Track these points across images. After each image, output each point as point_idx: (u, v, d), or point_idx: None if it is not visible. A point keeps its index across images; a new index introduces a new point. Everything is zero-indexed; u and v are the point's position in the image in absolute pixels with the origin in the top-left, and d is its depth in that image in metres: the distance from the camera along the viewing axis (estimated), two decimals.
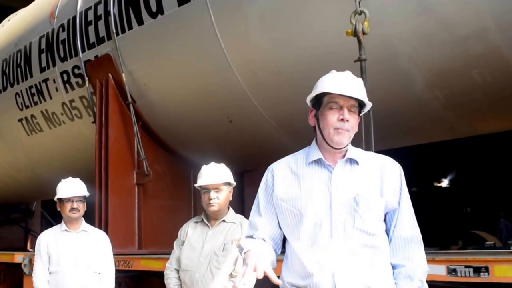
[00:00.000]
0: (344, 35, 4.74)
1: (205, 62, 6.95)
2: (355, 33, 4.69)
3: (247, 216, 3.23)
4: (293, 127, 7.00)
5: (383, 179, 2.76)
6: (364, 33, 4.69)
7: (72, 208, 5.52)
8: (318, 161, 2.78)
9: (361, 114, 2.82)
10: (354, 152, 2.83)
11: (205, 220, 4.68)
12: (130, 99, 7.92)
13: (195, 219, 4.82)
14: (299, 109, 6.27)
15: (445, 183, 12.89)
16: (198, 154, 7.73)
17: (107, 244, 5.76)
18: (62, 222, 5.67)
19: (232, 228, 4.58)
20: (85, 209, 5.68)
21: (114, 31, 7.86)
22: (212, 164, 4.72)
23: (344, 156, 2.81)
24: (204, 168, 4.68)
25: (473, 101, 5.64)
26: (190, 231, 4.71)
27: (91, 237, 5.68)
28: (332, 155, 2.78)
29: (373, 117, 4.49)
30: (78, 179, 5.74)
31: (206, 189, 4.57)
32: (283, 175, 2.84)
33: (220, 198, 4.56)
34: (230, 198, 4.71)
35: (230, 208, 4.74)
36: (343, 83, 2.70)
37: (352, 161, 2.79)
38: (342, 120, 2.67)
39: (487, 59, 5.14)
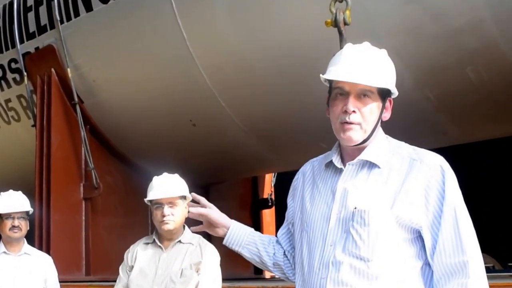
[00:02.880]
0: (323, 26, 4.77)
1: (164, 56, 7.00)
2: (335, 24, 4.71)
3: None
4: (266, 132, 7.09)
5: (403, 184, 2.49)
6: (345, 24, 4.71)
7: (13, 226, 5.48)
8: (333, 163, 2.65)
9: (391, 97, 2.64)
10: (378, 149, 2.59)
11: (157, 240, 4.65)
12: (76, 99, 7.89)
13: (144, 239, 4.78)
14: (273, 111, 6.75)
15: None
16: (156, 163, 7.54)
17: (53, 270, 5.72)
18: (1, 243, 5.64)
19: (189, 250, 4.58)
20: (28, 228, 5.67)
21: (58, 18, 7.81)
22: (165, 174, 4.71)
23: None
24: (156, 180, 4.67)
25: (468, 102, 5.74)
26: (140, 253, 4.67)
27: (34, 261, 5.63)
28: (350, 154, 2.62)
29: None
30: (20, 192, 5.70)
31: (159, 204, 4.55)
32: (304, 180, 2.79)
33: (175, 215, 4.52)
34: (186, 215, 4.46)
35: (186, 227, 4.70)
36: (347, 62, 2.54)
37: (370, 164, 2.57)
38: (346, 111, 2.51)
39: (483, 54, 5.24)
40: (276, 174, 10.02)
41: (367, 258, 2.44)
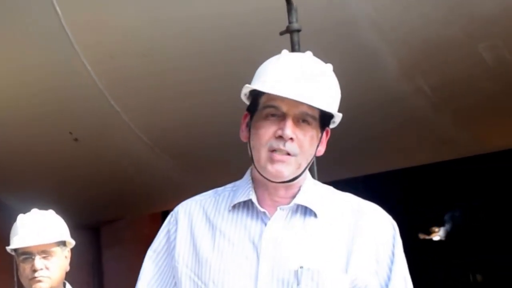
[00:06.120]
0: None
1: (30, 40, 6.72)
2: None
3: None
4: (182, 147, 7.06)
5: (354, 242, 2.56)
6: None
7: None
8: (247, 204, 2.64)
9: (329, 127, 2.67)
10: (312, 193, 2.62)
11: None
12: None
13: None
14: (191, 117, 6.69)
15: (438, 234, 12.91)
16: (22, 196, 7.52)
17: None
18: None
19: None
20: None
21: None
22: (35, 212, 4.50)
23: (292, 198, 2.62)
24: (22, 220, 4.45)
25: (482, 94, 5.62)
26: None
27: None
28: (272, 193, 2.62)
29: None
30: None
31: (28, 254, 4.34)
32: (193, 224, 2.74)
33: (51, 268, 4.35)
34: (68, 268, 4.50)
35: (68, 285, 4.56)
36: (291, 74, 2.53)
37: (305, 209, 2.60)
38: (280, 137, 2.50)
39: (505, 24, 5.08)
40: None
41: None
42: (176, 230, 2.73)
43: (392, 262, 2.60)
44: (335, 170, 5.98)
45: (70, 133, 7.15)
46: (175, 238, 2.72)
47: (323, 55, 5.04)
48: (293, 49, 4.56)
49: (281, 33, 4.60)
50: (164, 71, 6.31)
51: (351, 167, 6.48)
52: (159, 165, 7.27)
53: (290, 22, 4.60)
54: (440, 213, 12.18)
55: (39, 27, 6.55)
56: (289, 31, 4.59)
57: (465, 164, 7.21)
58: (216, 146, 6.80)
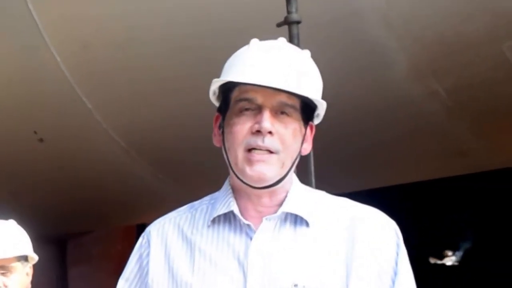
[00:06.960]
0: None
1: None
2: None
3: None
4: (162, 151, 7.14)
5: (353, 253, 2.55)
6: None
7: None
8: (228, 217, 2.60)
9: (313, 122, 2.62)
10: (302, 199, 2.60)
11: None
12: None
13: None
14: (172, 118, 6.77)
15: (452, 259, 12.83)
16: None
17: None
18: None
19: None
20: None
21: None
22: None
23: (280, 206, 2.58)
24: None
25: (503, 101, 5.68)
26: None
27: None
28: (256, 202, 2.58)
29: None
30: None
31: None
32: (168, 245, 2.71)
33: (10, 286, 4.39)
34: (29, 286, 4.51)
35: None
36: (264, 61, 2.50)
37: (295, 218, 2.57)
38: (258, 132, 2.44)
39: None
40: None
41: None
42: (148, 254, 2.70)
43: (395, 273, 2.57)
44: (335, 183, 5.92)
45: (35, 132, 7.23)
46: (148, 263, 2.69)
47: (324, 50, 5.03)
48: (291, 43, 4.59)
49: (279, 25, 4.58)
50: (142, 64, 6.34)
51: (353, 179, 6.50)
52: (135, 171, 7.34)
53: (289, 13, 4.59)
54: (453, 234, 12.20)
55: (2, 12, 6.59)
56: (288, 22, 4.57)
57: (483, 179, 7.14)
58: (200, 151, 6.50)
